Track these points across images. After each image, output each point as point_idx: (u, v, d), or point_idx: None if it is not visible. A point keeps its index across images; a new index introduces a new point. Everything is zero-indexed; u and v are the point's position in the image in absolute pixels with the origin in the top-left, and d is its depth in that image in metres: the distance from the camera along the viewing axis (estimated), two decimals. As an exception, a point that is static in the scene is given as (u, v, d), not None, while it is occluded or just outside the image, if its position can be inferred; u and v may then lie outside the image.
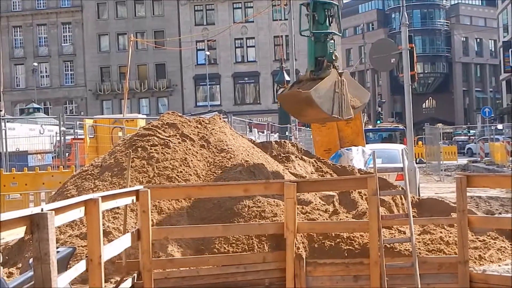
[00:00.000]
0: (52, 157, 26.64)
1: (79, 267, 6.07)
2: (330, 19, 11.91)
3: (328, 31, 11.83)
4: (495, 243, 9.48)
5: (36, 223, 4.60)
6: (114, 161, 10.75)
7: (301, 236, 8.99)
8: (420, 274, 8.21)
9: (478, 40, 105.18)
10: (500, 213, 15.55)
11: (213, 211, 9.68)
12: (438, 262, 8.57)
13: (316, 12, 11.74)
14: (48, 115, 53.74)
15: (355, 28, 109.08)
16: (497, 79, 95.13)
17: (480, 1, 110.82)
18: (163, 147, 10.85)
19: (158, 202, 9.64)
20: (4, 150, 20.69)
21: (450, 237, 9.37)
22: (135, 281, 8.03)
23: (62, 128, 20.36)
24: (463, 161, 44.74)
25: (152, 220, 8.40)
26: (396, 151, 18.30)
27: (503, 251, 9.26)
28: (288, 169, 11.90)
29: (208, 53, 68.36)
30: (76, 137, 23.32)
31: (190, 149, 10.97)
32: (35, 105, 56.90)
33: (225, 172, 10.52)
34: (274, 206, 9.74)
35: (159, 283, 8.28)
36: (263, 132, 37.58)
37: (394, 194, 10.88)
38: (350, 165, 13.63)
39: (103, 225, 7.05)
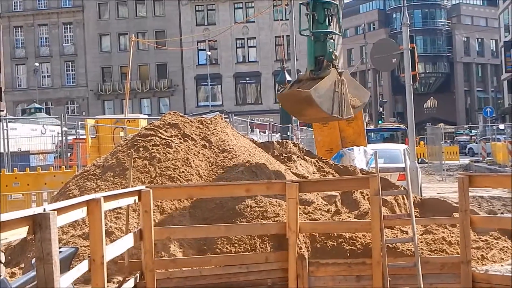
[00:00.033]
0: (54, 157, 26.66)
1: (81, 267, 6.06)
2: (330, 18, 11.91)
3: (328, 30, 11.82)
4: (497, 243, 9.48)
5: (38, 223, 4.60)
6: (116, 161, 10.75)
7: (304, 236, 8.98)
8: (423, 274, 8.20)
9: (480, 40, 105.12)
10: (502, 213, 15.55)
11: (215, 211, 9.68)
12: (441, 262, 8.56)
13: (315, 11, 11.74)
14: (49, 115, 53.75)
15: (356, 28, 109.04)
16: (498, 79, 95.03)
17: (481, 1, 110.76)
18: (165, 147, 10.85)
19: (160, 202, 9.64)
20: (6, 150, 20.70)
21: (452, 237, 9.36)
22: (138, 281, 8.03)
23: (64, 128, 20.36)
24: (465, 161, 44.72)
25: (154, 220, 8.39)
26: (398, 151, 18.30)
27: (506, 251, 9.26)
28: (290, 169, 11.90)
29: (209, 53, 68.33)
30: (78, 137, 23.32)
31: (192, 149, 10.96)
32: (37, 105, 56.92)
33: (227, 172, 10.52)
34: (276, 206, 9.73)
35: (161, 283, 8.27)
36: (264, 132, 37.56)
37: (396, 194, 10.88)
38: (352, 165, 13.63)
39: (105, 225, 7.05)
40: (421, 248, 8.93)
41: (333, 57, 11.60)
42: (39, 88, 69.96)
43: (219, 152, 11.08)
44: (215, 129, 11.69)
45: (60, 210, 5.24)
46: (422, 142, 47.64)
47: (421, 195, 16.54)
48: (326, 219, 9.70)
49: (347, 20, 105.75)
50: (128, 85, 31.53)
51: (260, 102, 70.71)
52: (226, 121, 12.97)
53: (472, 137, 63.10)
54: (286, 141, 14.20)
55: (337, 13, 12.18)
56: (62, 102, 72.72)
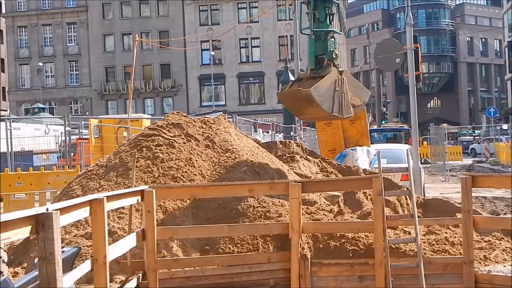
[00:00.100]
0: (57, 157, 26.67)
1: (84, 267, 6.07)
2: (331, 17, 11.89)
3: (329, 29, 11.80)
4: (500, 243, 9.46)
5: (41, 223, 4.61)
6: (119, 161, 10.76)
7: (306, 236, 8.98)
8: (425, 275, 8.20)
9: (483, 40, 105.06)
10: (505, 214, 15.53)
11: (218, 211, 9.69)
12: (443, 263, 8.56)
13: (316, 10, 11.73)
14: (53, 115, 53.83)
15: (360, 28, 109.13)
16: (502, 79, 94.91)
17: (485, 1, 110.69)
18: (168, 147, 10.85)
19: (163, 202, 9.64)
20: (10, 150, 20.72)
21: (455, 237, 9.36)
22: (140, 281, 8.04)
23: (67, 128, 20.40)
24: (468, 161, 44.67)
25: (157, 220, 8.40)
26: (401, 151, 18.29)
27: (508, 252, 9.25)
28: (293, 169, 11.89)
29: (213, 53, 68.39)
30: (81, 137, 23.36)
31: (195, 149, 10.97)
32: (40, 105, 57.04)
33: (230, 172, 10.52)
34: (279, 206, 9.74)
35: (164, 283, 8.28)
36: (268, 132, 37.58)
37: (399, 195, 10.87)
38: (355, 165, 13.61)
39: (108, 225, 7.06)
40: (424, 249, 8.92)
41: (334, 56, 11.58)
42: (42, 88, 70.08)
43: (222, 152, 11.08)
44: (218, 129, 11.70)
45: (63, 210, 5.25)
46: (425, 143, 47.59)
47: (424, 196, 16.52)
48: (328, 219, 9.69)
49: (351, 20, 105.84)
50: (131, 85, 31.56)
51: (263, 102, 70.73)
52: (229, 121, 12.98)
53: (476, 137, 63.03)
54: (289, 141, 14.19)
55: (338, 12, 12.16)
56: (66, 102, 72.83)
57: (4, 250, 6.19)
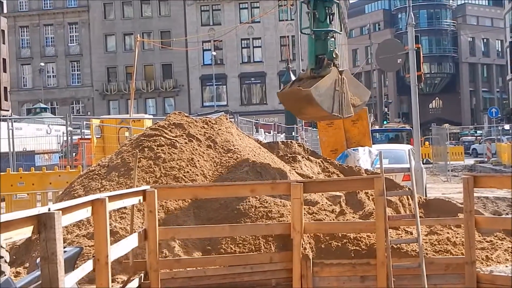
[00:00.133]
0: (59, 157, 26.69)
1: (86, 267, 6.07)
2: (331, 17, 11.87)
3: (329, 29, 11.78)
4: (502, 243, 9.45)
5: (43, 223, 4.61)
6: (121, 161, 10.76)
7: (308, 236, 8.98)
8: (427, 275, 8.19)
9: (485, 40, 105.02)
10: (507, 214, 15.52)
11: (220, 211, 9.69)
12: (445, 263, 8.55)
13: (316, 10, 11.71)
14: (55, 115, 53.90)
15: (361, 28, 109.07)
16: (504, 79, 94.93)
17: (486, 1, 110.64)
18: (170, 147, 10.85)
19: (165, 202, 9.65)
20: (11, 150, 20.75)
21: (457, 237, 9.35)
22: (142, 281, 8.04)
23: (69, 128, 20.40)
24: (470, 161, 44.66)
25: (159, 220, 8.40)
26: (403, 152, 18.28)
27: (510, 252, 9.24)
28: (294, 169, 11.89)
29: (214, 53, 68.40)
30: (83, 137, 23.38)
31: (196, 149, 10.97)
32: (42, 105, 57.06)
33: (232, 172, 10.52)
34: (281, 207, 9.73)
35: (166, 283, 8.28)
36: (269, 133, 37.59)
37: (401, 195, 10.86)
38: (356, 166, 13.62)
39: (110, 225, 7.06)
40: (426, 249, 8.92)
41: (334, 56, 11.56)
42: (44, 88, 70.14)
43: (224, 152, 11.08)
44: (220, 129, 11.70)
45: (65, 210, 5.25)
46: (427, 143, 47.60)
47: (426, 196, 16.51)
48: (330, 220, 9.69)
49: (353, 20, 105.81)
50: (133, 85, 31.54)
51: (265, 102, 70.72)
52: (231, 121, 12.97)
53: (477, 137, 63.02)
54: (291, 142, 14.19)
55: (338, 12, 12.14)
56: (68, 102, 72.87)
57: (6, 250, 6.19)
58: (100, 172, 10.74)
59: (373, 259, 8.45)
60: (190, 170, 10.47)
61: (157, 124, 11.88)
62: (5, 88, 79.15)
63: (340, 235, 9.11)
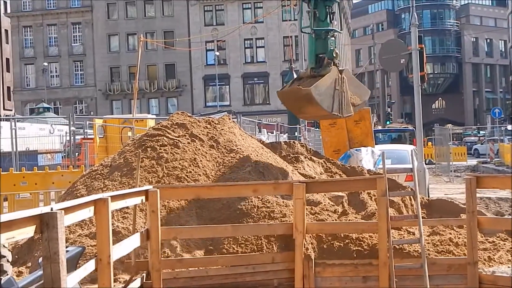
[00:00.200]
0: (62, 157, 26.74)
1: (88, 267, 6.08)
2: (331, 16, 11.86)
3: (329, 28, 11.76)
4: (504, 244, 9.45)
5: (45, 223, 4.62)
6: (124, 161, 10.77)
7: (310, 236, 8.98)
8: (429, 275, 8.19)
9: (488, 40, 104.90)
10: (510, 215, 15.51)
11: (222, 211, 9.69)
12: (447, 263, 8.55)
13: (317, 9, 11.69)
14: (58, 114, 53.93)
15: (364, 28, 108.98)
16: (507, 80, 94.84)
17: (490, 1, 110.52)
18: (173, 147, 10.86)
19: (167, 202, 9.65)
20: (14, 149, 20.77)
21: (459, 238, 9.35)
22: (144, 281, 8.05)
23: (72, 128, 20.42)
24: (472, 162, 44.61)
25: (161, 220, 8.40)
26: (406, 152, 18.28)
27: (513, 253, 9.24)
28: (297, 169, 11.89)
29: (217, 53, 68.38)
30: (86, 137, 23.39)
31: (199, 149, 10.98)
32: (45, 105, 57.13)
33: (234, 172, 10.53)
34: (283, 207, 9.74)
35: (168, 283, 8.29)
36: (272, 133, 37.60)
37: (403, 195, 10.86)
38: (359, 166, 13.62)
39: (112, 224, 7.06)
40: (428, 249, 8.91)
41: (334, 55, 11.54)
42: (47, 87, 70.20)
43: (226, 153, 11.09)
44: (222, 129, 11.70)
45: (68, 210, 5.26)
46: (430, 143, 47.59)
47: (429, 196, 16.52)
48: (333, 220, 9.69)
49: (356, 20, 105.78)
50: (136, 85, 31.59)
51: (268, 102, 70.70)
52: (233, 122, 12.98)
53: (480, 138, 62.98)
54: (293, 142, 14.19)
55: (338, 11, 12.12)
56: (71, 102, 72.94)
57: (9, 250, 6.20)
58: (102, 172, 10.75)
59: (375, 259, 8.45)
60: (193, 170, 10.48)
61: (160, 124, 11.89)
62: (8, 87, 79.28)
63: (342, 236, 9.11)
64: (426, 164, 23.19)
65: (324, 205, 10.20)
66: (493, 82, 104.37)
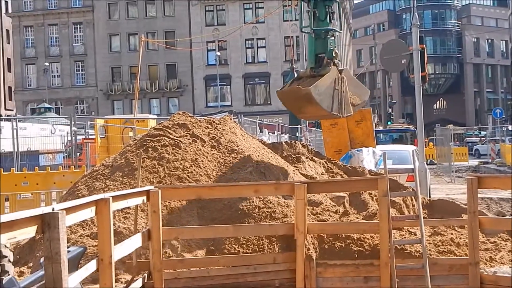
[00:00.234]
0: (63, 157, 26.75)
1: (89, 267, 6.08)
2: (331, 15, 11.85)
3: (329, 28, 11.76)
4: (506, 244, 9.44)
5: (47, 223, 4.62)
6: (125, 161, 10.77)
7: (312, 237, 8.98)
8: (431, 276, 8.19)
9: (490, 40, 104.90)
10: (511, 215, 15.50)
11: (224, 211, 9.69)
12: (449, 264, 8.55)
13: (316, 8, 11.69)
14: (59, 115, 54.02)
15: (366, 28, 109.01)
16: (508, 80, 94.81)
17: (491, 2, 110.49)
18: (174, 147, 10.86)
19: (169, 202, 9.65)
20: (16, 149, 20.78)
21: (460, 238, 9.34)
22: (146, 281, 8.05)
23: (73, 128, 20.43)
24: (474, 162, 44.60)
25: (162, 220, 8.40)
26: (407, 152, 18.28)
27: (514, 253, 9.23)
28: (298, 170, 11.89)
29: (218, 53, 68.41)
30: (87, 137, 23.41)
31: (200, 149, 10.97)
32: (46, 105, 57.22)
33: (236, 172, 10.53)
34: (285, 207, 9.73)
35: (169, 283, 8.29)
36: (273, 133, 37.61)
37: (404, 195, 10.85)
38: (360, 166, 13.62)
39: (114, 225, 7.07)
40: (429, 250, 8.91)
41: (334, 55, 11.53)
42: (49, 87, 70.23)
43: (227, 153, 11.09)
44: (224, 129, 11.70)
45: (69, 210, 5.26)
46: (431, 143, 47.56)
47: (430, 197, 16.51)
48: (334, 220, 9.69)
49: (357, 20, 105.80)
50: (137, 85, 31.58)
51: (269, 102, 70.69)
52: (235, 122, 12.98)
53: (482, 138, 62.97)
54: (294, 142, 14.18)
55: (338, 10, 12.11)
56: (72, 102, 72.98)
57: (10, 250, 6.21)
58: (104, 172, 10.76)
59: (377, 259, 8.45)
60: (194, 170, 10.48)
61: (161, 124, 11.89)
62: (10, 87, 79.34)
63: (343, 236, 9.11)
64: (427, 164, 23.18)
65: (326, 205, 10.20)
66: (494, 83, 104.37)
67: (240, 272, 8.61)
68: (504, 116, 59.49)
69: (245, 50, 71.97)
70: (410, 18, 59.91)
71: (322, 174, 12.28)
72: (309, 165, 12.30)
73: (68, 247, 5.48)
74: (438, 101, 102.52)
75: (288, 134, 36.58)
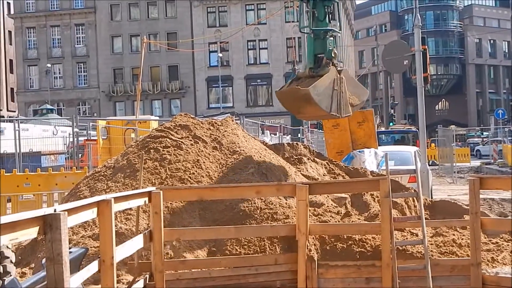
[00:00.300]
0: (65, 158, 26.78)
1: (91, 268, 6.09)
2: (330, 16, 11.85)
3: (328, 28, 11.76)
4: (508, 245, 9.43)
5: (49, 224, 4.62)
6: (127, 162, 10.78)
7: (313, 238, 8.98)
8: (432, 277, 8.18)
9: (492, 41, 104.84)
10: (513, 216, 15.47)
11: (225, 212, 9.69)
12: (451, 265, 8.54)
13: (316, 9, 11.68)
14: (61, 116, 54.05)
15: (368, 29, 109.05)
16: (510, 81, 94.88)
17: (493, 2, 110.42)
18: (176, 148, 10.87)
19: (171, 203, 9.65)
20: (18, 150, 20.81)
21: (462, 239, 9.33)
22: (147, 282, 8.05)
23: (75, 129, 20.45)
24: (476, 163, 44.57)
25: (164, 222, 8.41)
26: (409, 153, 18.26)
27: (516, 254, 9.22)
28: (300, 171, 11.89)
29: (220, 55, 68.45)
30: (89, 138, 23.41)
31: (202, 150, 10.98)
32: (49, 106, 57.29)
33: (237, 174, 10.53)
34: (286, 208, 9.74)
35: (171, 284, 8.29)
36: (275, 134, 37.60)
37: (406, 196, 10.85)
38: (362, 167, 13.61)
39: (115, 226, 7.07)
40: (431, 251, 8.90)
41: (333, 55, 11.51)
42: (51, 89, 70.32)
43: (229, 154, 11.09)
44: (225, 131, 11.70)
45: (71, 211, 5.27)
46: (433, 144, 47.54)
47: (432, 197, 16.50)
48: (336, 221, 9.68)
49: (359, 21, 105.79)
50: (139, 86, 31.61)
51: (271, 104, 70.68)
52: (237, 123, 12.98)
53: (484, 139, 62.92)
54: (296, 143, 14.19)
55: (338, 11, 12.11)
56: (74, 103, 73.05)
57: (12, 251, 6.21)
58: (106, 173, 10.76)
59: (378, 260, 8.44)
60: (196, 171, 10.48)
61: (163, 125, 11.90)
62: (12, 89, 79.43)
63: (345, 237, 9.11)
64: (429, 165, 23.16)
65: (327, 206, 10.20)
66: (497, 83, 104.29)
67: (242, 273, 8.61)
68: (506, 116, 59.35)
69: (247, 52, 72.00)
70: (412, 19, 59.87)
71: (324, 175, 12.28)
72: (310, 166, 12.31)
73: (69, 248, 5.48)
74: (440, 102, 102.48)
75: (290, 136, 36.58)
